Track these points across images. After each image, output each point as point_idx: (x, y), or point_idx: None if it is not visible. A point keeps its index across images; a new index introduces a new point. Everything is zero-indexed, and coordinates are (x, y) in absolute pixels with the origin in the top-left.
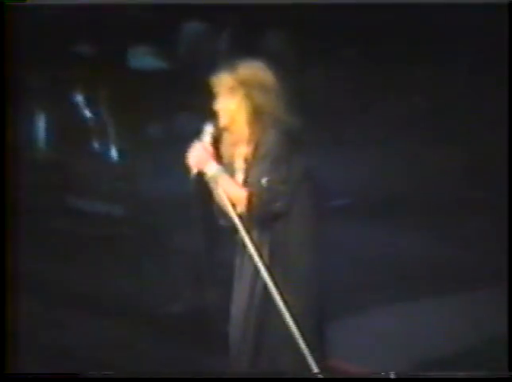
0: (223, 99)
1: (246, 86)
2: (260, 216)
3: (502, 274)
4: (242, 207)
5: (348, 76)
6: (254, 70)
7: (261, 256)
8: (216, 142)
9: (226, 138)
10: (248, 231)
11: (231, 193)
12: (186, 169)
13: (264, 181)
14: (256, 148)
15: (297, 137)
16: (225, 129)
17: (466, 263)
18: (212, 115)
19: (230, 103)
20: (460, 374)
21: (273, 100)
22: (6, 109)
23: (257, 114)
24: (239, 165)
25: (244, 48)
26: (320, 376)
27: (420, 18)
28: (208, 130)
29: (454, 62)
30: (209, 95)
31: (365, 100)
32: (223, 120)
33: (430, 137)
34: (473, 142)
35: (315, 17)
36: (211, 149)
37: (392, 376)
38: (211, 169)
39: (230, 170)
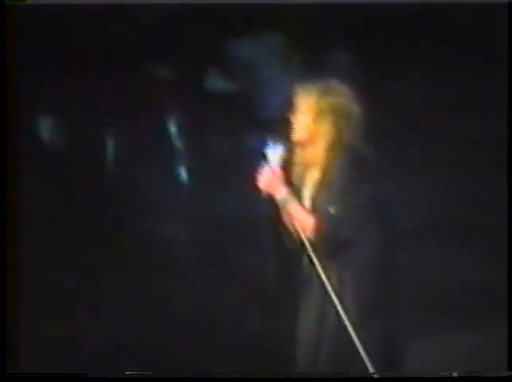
0: (305, 115)
1: (335, 113)
2: (326, 244)
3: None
4: (308, 234)
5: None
6: (345, 98)
7: (329, 280)
8: (287, 165)
9: (298, 158)
10: (316, 253)
11: (300, 219)
12: (256, 190)
13: (331, 209)
14: (326, 174)
15: (366, 163)
16: (298, 144)
17: None
18: (285, 139)
19: (312, 121)
20: (460, 374)
21: (353, 129)
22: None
23: (335, 141)
24: (308, 190)
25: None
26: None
27: (420, 18)
28: (280, 152)
29: (454, 62)
30: (281, 119)
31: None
32: (298, 134)
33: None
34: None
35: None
36: (280, 171)
37: (390, 375)
38: (281, 193)
39: (298, 194)
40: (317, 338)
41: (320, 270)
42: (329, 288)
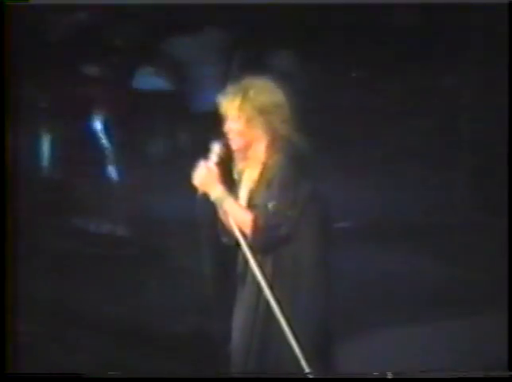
0: (236, 122)
1: (264, 112)
2: (264, 240)
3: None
4: (246, 230)
5: (357, 96)
6: (269, 93)
7: (264, 275)
8: (223, 162)
9: (235, 160)
10: (252, 250)
11: (236, 217)
12: (191, 188)
13: (270, 205)
14: (264, 171)
15: (306, 160)
16: (237, 152)
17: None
18: (220, 135)
19: (246, 127)
20: (460, 374)
21: (287, 123)
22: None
23: (273, 139)
24: (246, 188)
25: (251, 66)
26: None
27: (420, 18)
28: (215, 150)
29: (454, 62)
30: (216, 116)
31: (372, 123)
32: (235, 143)
33: (434, 159)
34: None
35: (324, 35)
36: (216, 169)
37: (389, 376)
38: (216, 191)
39: (236, 192)
40: (251, 336)
41: (256, 267)
42: (264, 285)
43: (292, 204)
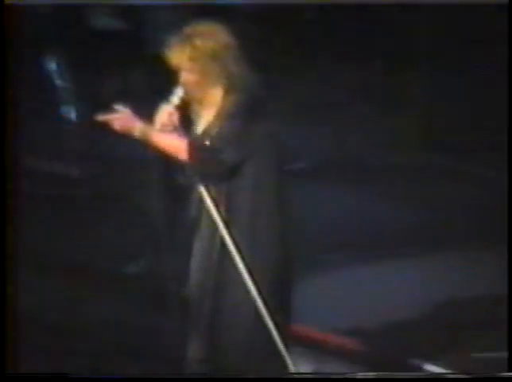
0: (190, 72)
1: (216, 56)
2: (204, 163)
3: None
4: (184, 156)
5: (312, 39)
6: (216, 36)
7: (219, 212)
8: (183, 105)
9: (193, 105)
10: (206, 186)
11: (169, 145)
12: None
13: (213, 132)
14: (219, 110)
15: (259, 98)
16: (194, 100)
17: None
18: (175, 81)
19: (201, 76)
20: (460, 374)
21: (239, 63)
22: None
23: (228, 81)
24: (202, 127)
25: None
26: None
27: (420, 18)
28: (178, 93)
29: (454, 62)
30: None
31: (327, 66)
32: (195, 93)
33: (387, 102)
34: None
35: None
36: (176, 112)
37: (390, 376)
38: (137, 129)
39: (193, 132)
40: (205, 274)
41: (211, 205)
42: (219, 223)
43: (237, 134)
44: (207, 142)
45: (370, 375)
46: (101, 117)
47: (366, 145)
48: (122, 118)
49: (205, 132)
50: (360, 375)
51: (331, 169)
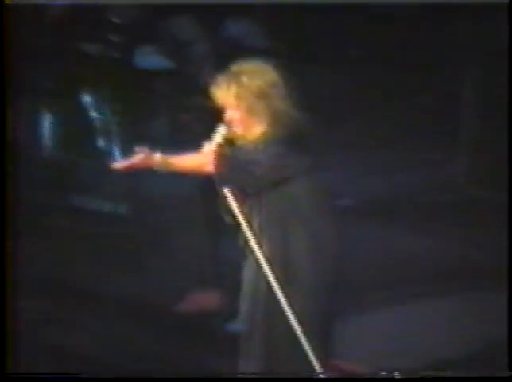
0: (235, 110)
1: (262, 95)
2: (234, 172)
3: (502, 273)
4: (210, 167)
5: (353, 75)
6: (263, 75)
7: (264, 254)
8: (229, 143)
9: (238, 141)
10: (251, 227)
11: (192, 161)
12: None
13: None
14: (263, 142)
15: (303, 135)
16: (242, 137)
17: (468, 263)
18: (220, 119)
19: (247, 114)
20: (460, 374)
21: (285, 100)
22: (6, 108)
23: (274, 118)
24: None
25: (243, 48)
26: (322, 375)
27: (420, 18)
28: (221, 131)
29: (454, 62)
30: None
31: (368, 100)
32: (239, 130)
33: (432, 139)
34: (474, 143)
35: (314, 16)
36: (219, 150)
37: (391, 376)
38: (155, 162)
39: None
40: (253, 312)
41: (254, 242)
42: (262, 260)
43: (277, 157)
44: (235, 152)
45: (371, 375)
46: (121, 164)
47: (415, 182)
48: (140, 158)
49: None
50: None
51: (379, 207)
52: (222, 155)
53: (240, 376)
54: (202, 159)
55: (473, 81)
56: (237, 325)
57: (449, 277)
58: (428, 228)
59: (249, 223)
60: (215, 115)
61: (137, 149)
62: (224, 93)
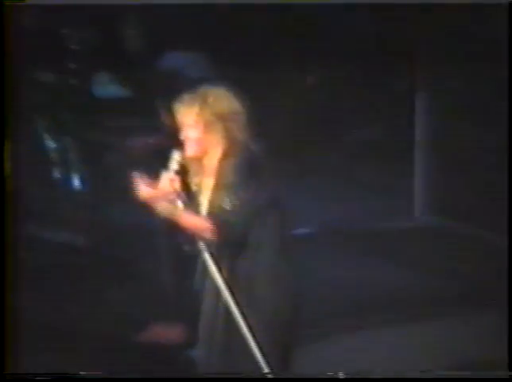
0: (194, 129)
1: (223, 118)
2: (225, 239)
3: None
4: (206, 235)
5: (313, 103)
6: (228, 100)
7: (224, 280)
8: (183, 170)
9: (193, 167)
10: (212, 255)
11: (195, 224)
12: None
13: (226, 202)
14: (220, 177)
15: (260, 165)
16: (195, 159)
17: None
18: (178, 144)
19: (204, 133)
20: (460, 374)
21: (244, 130)
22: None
23: (229, 145)
24: (205, 197)
25: (208, 73)
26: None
27: (420, 18)
28: (176, 158)
29: (454, 62)
30: (172, 123)
31: (330, 129)
32: (193, 150)
33: (398, 162)
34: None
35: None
36: (177, 178)
37: (395, 376)
38: (162, 206)
39: (196, 202)
40: (212, 339)
41: (216, 274)
42: (223, 289)
43: (248, 206)
44: (221, 216)
45: (371, 375)
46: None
47: (370, 208)
48: (149, 192)
49: (211, 202)
50: (360, 375)
51: (335, 235)
52: (217, 225)
53: (240, 376)
54: (205, 223)
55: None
56: (196, 352)
57: (408, 304)
58: (386, 255)
59: (211, 254)
60: (172, 139)
61: (164, 175)
62: (187, 110)
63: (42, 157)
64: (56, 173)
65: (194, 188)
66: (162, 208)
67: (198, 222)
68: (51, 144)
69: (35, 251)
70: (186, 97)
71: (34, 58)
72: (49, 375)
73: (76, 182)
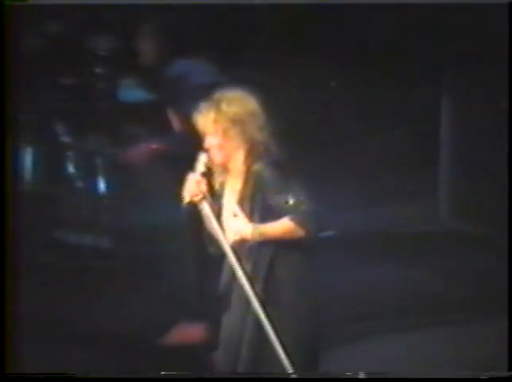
0: (214, 136)
1: (238, 122)
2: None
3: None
4: (295, 234)
5: (335, 105)
6: (241, 103)
7: (253, 286)
8: (209, 172)
9: (216, 173)
10: (239, 259)
11: (279, 231)
12: (176, 199)
13: (291, 201)
14: (247, 180)
15: (285, 167)
16: (219, 165)
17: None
18: (202, 148)
19: (224, 139)
20: (460, 374)
21: (262, 130)
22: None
23: (250, 147)
24: (232, 199)
25: (226, 76)
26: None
27: (420, 18)
28: (202, 159)
29: (453, 62)
30: (195, 129)
31: (353, 130)
32: (217, 157)
33: (418, 168)
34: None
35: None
36: (203, 180)
37: (392, 376)
38: (248, 230)
39: (220, 204)
40: (240, 345)
41: (243, 275)
42: (251, 293)
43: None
44: (299, 214)
45: (371, 375)
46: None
47: (395, 213)
48: (194, 187)
49: (242, 205)
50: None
51: (359, 239)
52: (303, 226)
53: (239, 376)
54: (287, 224)
55: (472, 83)
56: (217, 353)
57: (429, 308)
58: (409, 259)
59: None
60: (197, 144)
61: (191, 177)
62: (204, 119)
63: (66, 162)
64: (82, 178)
65: (218, 190)
66: (249, 235)
67: (281, 225)
68: (74, 149)
69: (60, 255)
70: (202, 105)
71: (34, 58)
72: (49, 375)
73: (101, 186)
